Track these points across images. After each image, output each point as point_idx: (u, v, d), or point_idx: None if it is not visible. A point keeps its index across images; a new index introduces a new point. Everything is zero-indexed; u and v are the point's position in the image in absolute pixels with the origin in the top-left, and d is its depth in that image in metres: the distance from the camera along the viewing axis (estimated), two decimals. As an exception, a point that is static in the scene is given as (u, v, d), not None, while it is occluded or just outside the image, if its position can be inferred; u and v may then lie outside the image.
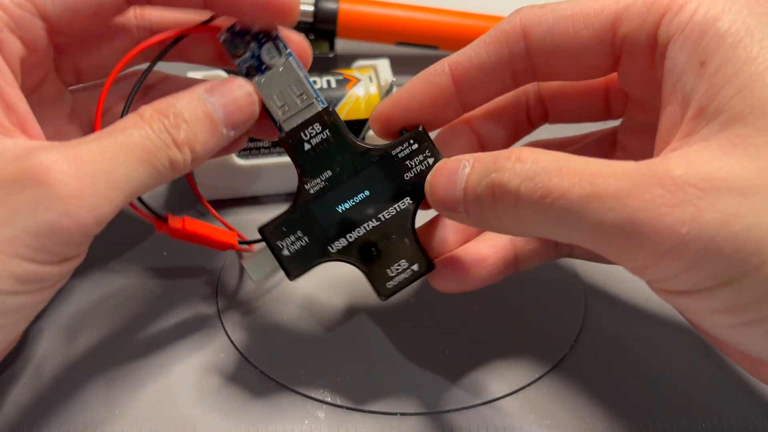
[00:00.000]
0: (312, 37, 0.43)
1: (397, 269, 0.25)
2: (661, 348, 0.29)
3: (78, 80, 0.27)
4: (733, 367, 0.29)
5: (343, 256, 0.25)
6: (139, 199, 0.25)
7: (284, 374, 0.28)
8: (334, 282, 0.32)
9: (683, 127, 0.20)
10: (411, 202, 0.25)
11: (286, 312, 0.30)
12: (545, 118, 0.28)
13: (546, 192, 0.19)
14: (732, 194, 0.17)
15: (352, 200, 0.24)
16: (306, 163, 0.24)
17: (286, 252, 0.25)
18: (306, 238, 0.25)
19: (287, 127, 0.24)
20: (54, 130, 0.26)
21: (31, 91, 0.24)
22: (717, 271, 0.17)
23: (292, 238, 0.25)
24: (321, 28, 0.42)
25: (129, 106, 0.24)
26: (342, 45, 0.44)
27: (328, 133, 0.24)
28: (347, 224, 0.25)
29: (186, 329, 0.29)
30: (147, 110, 0.22)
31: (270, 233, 0.25)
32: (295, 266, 0.25)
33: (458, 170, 0.22)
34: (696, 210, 0.17)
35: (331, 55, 0.40)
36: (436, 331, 0.30)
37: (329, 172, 0.24)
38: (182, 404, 0.27)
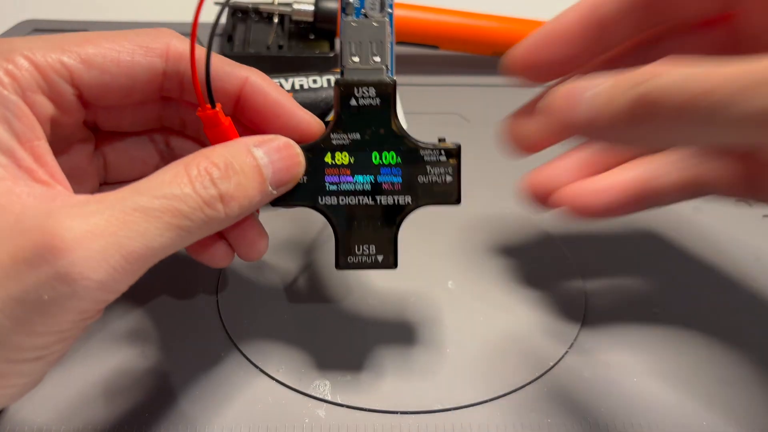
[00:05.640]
0: (312, 36, 0.43)
1: (364, 251, 0.25)
2: (661, 348, 0.29)
3: (96, 128, 0.26)
4: (733, 368, 0.29)
5: (327, 211, 0.25)
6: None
7: (284, 373, 0.28)
8: (335, 282, 0.32)
9: None
10: (410, 202, 0.25)
11: (286, 312, 0.30)
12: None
13: (704, 90, 0.17)
14: None
15: None
16: (344, 116, 0.25)
17: None
18: (305, 178, 0.25)
19: (347, 75, 0.25)
20: (72, 168, 0.25)
21: (60, 141, 0.24)
22: None
23: None
24: (321, 28, 0.42)
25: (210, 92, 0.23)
26: (342, 45, 0.44)
27: (378, 103, 0.25)
28: (347, 188, 0.25)
29: (186, 329, 0.29)
30: (194, 166, 0.21)
31: None
32: (281, 197, 0.25)
33: (592, 88, 0.20)
34: None
35: (331, 55, 0.40)
36: (437, 330, 0.30)
37: (358, 135, 0.25)
38: (182, 404, 0.27)
